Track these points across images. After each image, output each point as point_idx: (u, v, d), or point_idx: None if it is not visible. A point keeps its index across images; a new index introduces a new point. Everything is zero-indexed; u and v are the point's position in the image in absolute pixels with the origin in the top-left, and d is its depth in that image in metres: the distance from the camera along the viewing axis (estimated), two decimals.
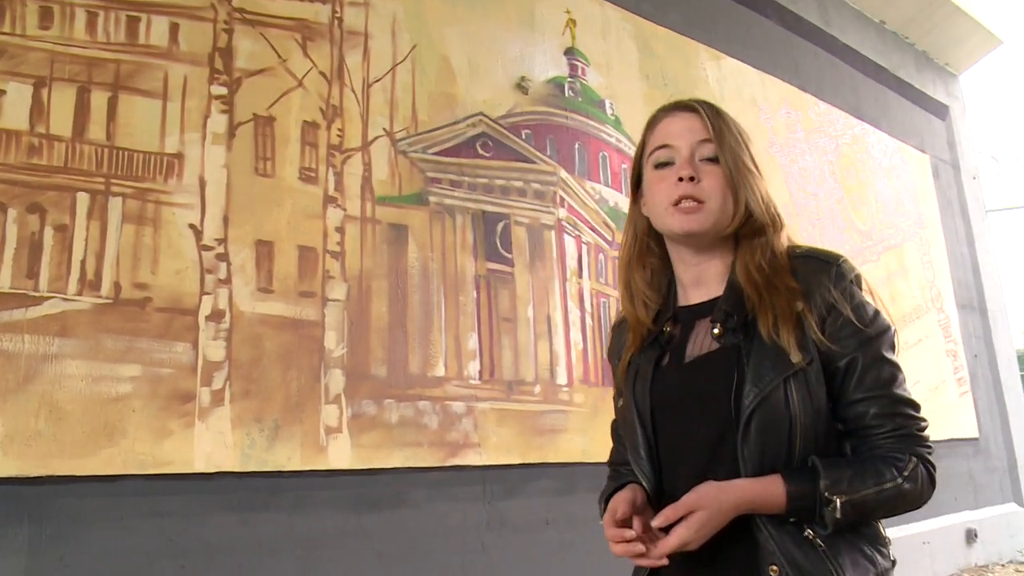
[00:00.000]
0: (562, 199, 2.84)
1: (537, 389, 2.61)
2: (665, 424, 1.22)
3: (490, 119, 2.66)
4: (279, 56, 2.25)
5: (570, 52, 3.03)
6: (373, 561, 2.11)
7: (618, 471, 1.36)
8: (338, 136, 2.31)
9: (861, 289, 1.19)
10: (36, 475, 1.72)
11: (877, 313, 1.18)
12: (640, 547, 1.09)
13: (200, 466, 1.91)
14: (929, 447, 1.16)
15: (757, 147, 1.25)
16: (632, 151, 2.92)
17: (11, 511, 1.69)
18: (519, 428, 2.52)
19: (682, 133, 1.22)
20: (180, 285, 1.96)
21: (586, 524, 2.52)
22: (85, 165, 1.90)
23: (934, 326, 4.66)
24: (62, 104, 1.91)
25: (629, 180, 1.31)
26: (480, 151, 2.62)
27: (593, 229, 2.93)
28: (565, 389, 2.69)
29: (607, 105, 3.10)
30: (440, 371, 2.36)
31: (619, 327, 1.37)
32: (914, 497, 1.13)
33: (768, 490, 1.09)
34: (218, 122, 2.11)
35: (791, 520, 1.10)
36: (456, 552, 2.28)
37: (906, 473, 1.11)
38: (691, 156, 1.20)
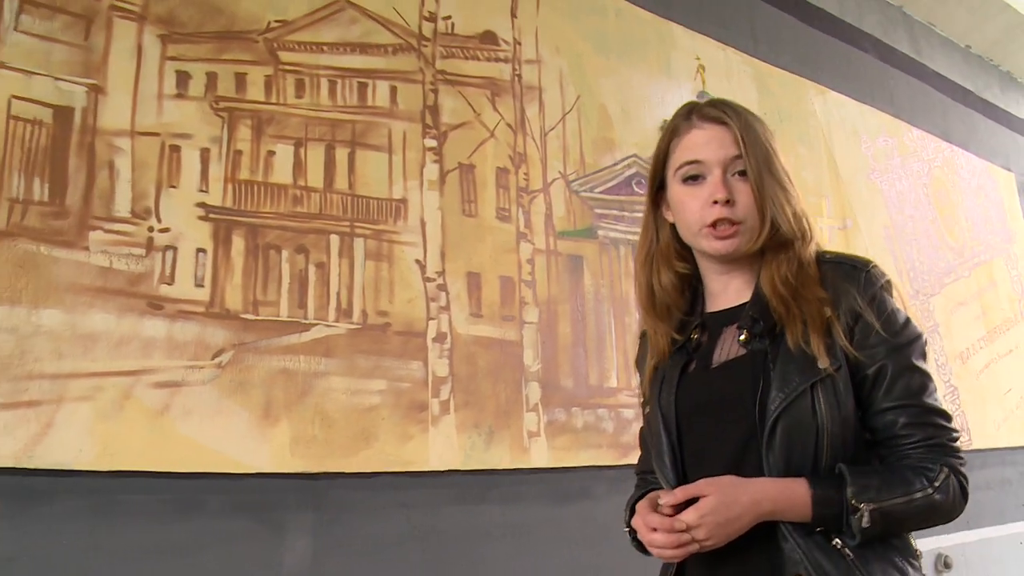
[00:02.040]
0: None
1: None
2: (690, 430, 1.20)
3: (641, 159, 2.99)
4: (474, 111, 2.60)
5: (701, 95, 3.35)
6: (566, 545, 2.44)
7: (645, 479, 1.37)
8: (524, 179, 2.66)
9: (891, 295, 1.16)
10: (315, 471, 2.07)
11: (908, 321, 1.15)
12: (687, 536, 1.06)
13: (434, 465, 2.25)
14: (961, 458, 1.12)
15: (781, 150, 1.22)
16: None
17: (299, 501, 2.04)
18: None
19: (712, 147, 1.19)
20: (411, 312, 2.32)
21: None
22: (334, 211, 2.27)
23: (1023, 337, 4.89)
24: (315, 160, 2.27)
25: (648, 183, 1.32)
26: (635, 188, 2.95)
27: None
28: None
29: None
30: (613, 382, 2.69)
31: (646, 336, 1.36)
32: (946, 509, 1.09)
33: (791, 491, 1.06)
34: (431, 170, 2.46)
35: (818, 530, 1.07)
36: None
37: (937, 484, 1.07)
38: (724, 174, 1.17)
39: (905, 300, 1.18)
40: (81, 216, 1.92)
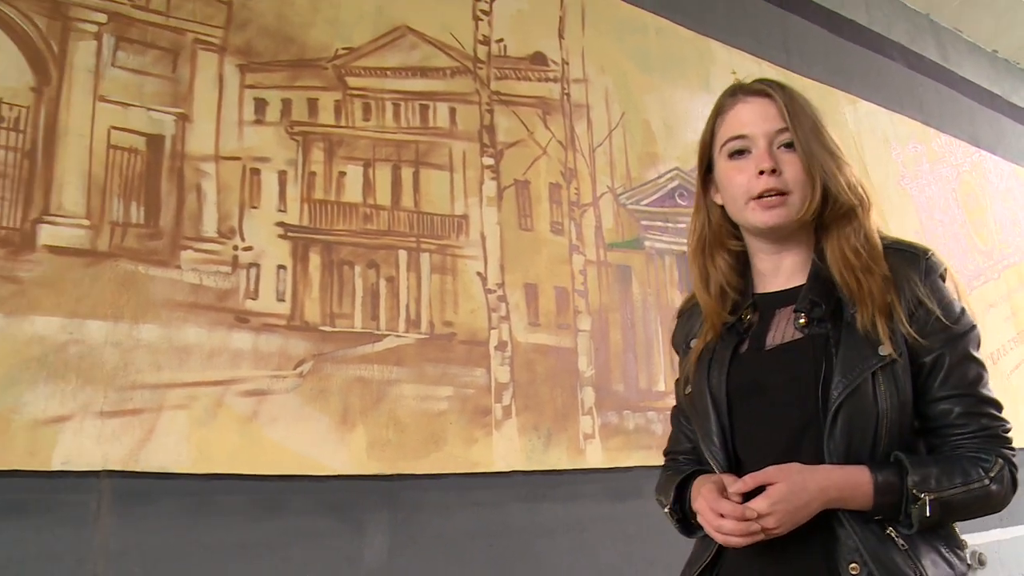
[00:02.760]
0: None
1: None
2: (742, 411, 1.19)
3: (684, 172, 3.11)
4: (527, 129, 2.74)
5: None
6: (623, 541, 2.56)
7: (676, 459, 1.38)
8: (575, 194, 2.79)
9: (947, 284, 1.16)
10: (390, 473, 2.21)
11: (964, 310, 1.15)
12: (756, 526, 1.04)
13: (499, 466, 2.38)
14: (1013, 449, 1.13)
15: (831, 126, 1.22)
16: None
17: (376, 501, 2.18)
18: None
19: (756, 121, 1.18)
20: (474, 322, 2.45)
21: None
22: (402, 228, 2.40)
23: None
24: (382, 180, 2.41)
25: (697, 167, 1.30)
26: (678, 200, 3.08)
27: None
28: None
29: None
30: (661, 386, 2.81)
31: (684, 315, 1.37)
32: (999, 499, 1.10)
33: (855, 479, 1.06)
34: (489, 187, 2.60)
35: (876, 518, 1.07)
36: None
37: (992, 474, 1.08)
38: (769, 146, 1.16)
39: (961, 290, 1.17)
40: (173, 236, 2.07)
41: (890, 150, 4.12)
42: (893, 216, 3.95)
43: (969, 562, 1.20)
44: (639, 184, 2.99)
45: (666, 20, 3.26)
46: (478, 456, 2.35)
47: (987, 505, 1.10)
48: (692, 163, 3.12)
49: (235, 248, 2.13)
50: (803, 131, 1.15)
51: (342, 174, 2.34)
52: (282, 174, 2.25)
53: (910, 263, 1.14)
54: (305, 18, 2.40)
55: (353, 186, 2.35)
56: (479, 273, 2.49)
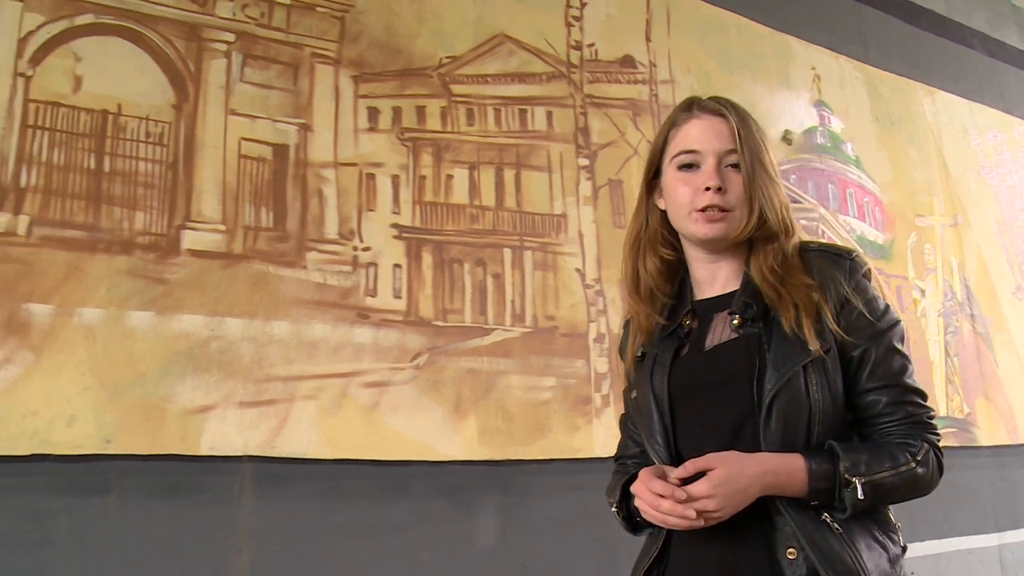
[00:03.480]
0: (823, 231, 3.35)
1: None
2: (683, 411, 1.23)
3: None
4: (619, 130, 2.85)
5: (818, 103, 3.53)
6: None
7: (625, 465, 1.40)
8: None
9: (871, 283, 1.21)
10: (500, 459, 2.35)
11: (888, 307, 1.20)
12: (692, 511, 1.07)
13: (598, 452, 2.50)
14: (937, 435, 1.19)
15: (769, 145, 1.26)
16: (870, 186, 3.42)
17: (488, 484, 2.32)
18: None
19: (708, 138, 1.22)
20: (574, 316, 2.57)
21: None
22: (506, 227, 2.53)
23: None
24: (487, 182, 2.54)
25: (644, 171, 1.32)
26: None
27: None
28: None
29: (848, 147, 3.59)
30: None
31: (629, 324, 1.38)
32: (926, 481, 1.15)
33: (791, 465, 1.11)
34: (585, 187, 2.72)
35: (812, 504, 1.11)
36: None
37: (919, 458, 1.13)
38: (717, 164, 1.21)
39: (883, 288, 1.23)
40: (299, 239, 2.23)
41: (969, 140, 4.14)
42: (973, 206, 3.98)
43: (903, 544, 1.18)
44: None
45: (745, 19, 3.34)
46: (580, 442, 2.47)
47: (916, 487, 1.15)
48: (776, 159, 3.20)
49: (355, 249, 2.28)
50: (750, 154, 1.20)
51: (449, 177, 2.48)
52: (395, 178, 2.39)
53: (835, 265, 1.20)
54: (411, 30, 2.54)
55: (460, 188, 2.49)
56: (578, 269, 2.61)
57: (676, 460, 1.19)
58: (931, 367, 3.45)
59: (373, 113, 2.41)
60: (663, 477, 1.13)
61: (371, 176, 2.36)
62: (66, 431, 1.88)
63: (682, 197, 1.23)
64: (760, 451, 1.13)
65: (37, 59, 2.04)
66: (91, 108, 2.07)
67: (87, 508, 1.88)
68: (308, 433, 2.12)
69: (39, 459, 1.86)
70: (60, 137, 2.03)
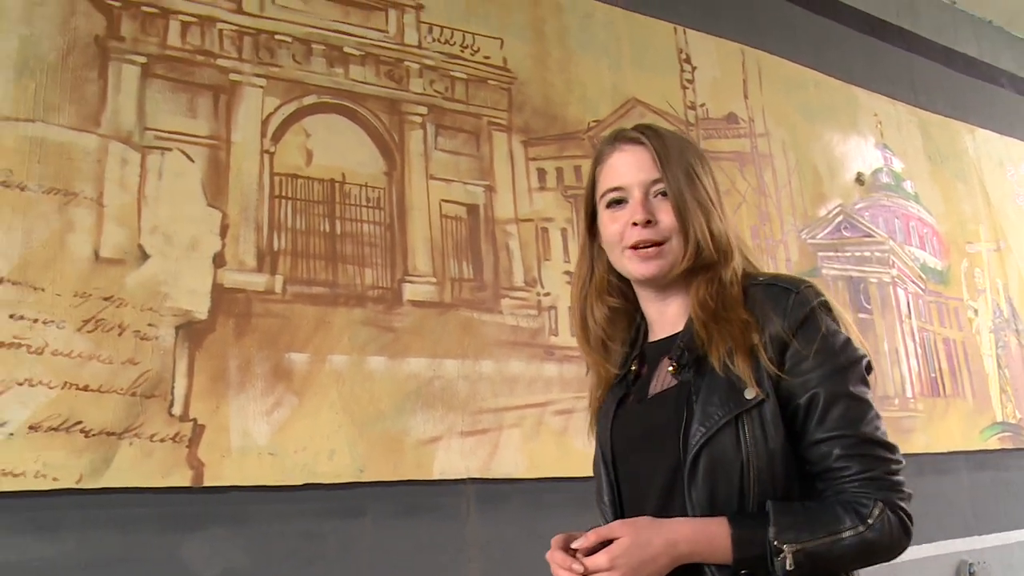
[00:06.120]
0: (893, 262, 3.75)
1: (896, 401, 3.53)
2: (625, 467, 1.18)
3: (846, 207, 3.59)
4: (730, 180, 3.22)
5: (881, 146, 3.94)
6: None
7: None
8: (768, 233, 3.27)
9: (828, 316, 1.08)
10: None
11: (846, 343, 1.07)
12: None
13: None
14: (902, 492, 1.05)
15: (708, 171, 1.18)
16: (927, 218, 3.84)
17: None
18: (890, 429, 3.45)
19: (631, 171, 1.16)
20: None
21: (924, 497, 3.37)
22: None
23: None
24: None
25: (583, 215, 1.27)
26: (843, 232, 3.55)
27: (913, 282, 3.83)
28: (911, 400, 3.59)
29: (908, 184, 4.00)
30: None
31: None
32: (882, 548, 1.01)
33: (710, 532, 1.01)
34: None
35: (742, 572, 1.02)
36: None
37: (870, 521, 1.00)
38: (644, 196, 1.14)
39: (846, 320, 1.11)
40: (494, 288, 2.56)
41: (1005, 172, 4.57)
42: (1013, 232, 4.40)
43: None
44: (813, 221, 3.47)
45: (821, 74, 3.73)
46: None
47: (869, 554, 1.02)
48: (851, 199, 3.60)
49: (538, 294, 2.63)
50: (674, 180, 1.13)
51: None
52: (563, 231, 2.74)
53: (776, 300, 1.08)
54: (563, 98, 2.89)
55: None
56: None
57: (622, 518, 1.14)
58: (987, 379, 3.85)
59: (541, 173, 2.76)
60: (568, 545, 1.08)
61: (544, 229, 2.71)
62: (328, 463, 2.19)
63: (612, 236, 1.17)
64: (687, 513, 1.05)
65: (277, 137, 2.35)
66: (322, 178, 2.39)
67: (349, 529, 2.19)
68: (515, 456, 2.45)
69: (310, 488, 2.17)
70: (300, 205, 2.34)
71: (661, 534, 1.01)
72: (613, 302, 1.25)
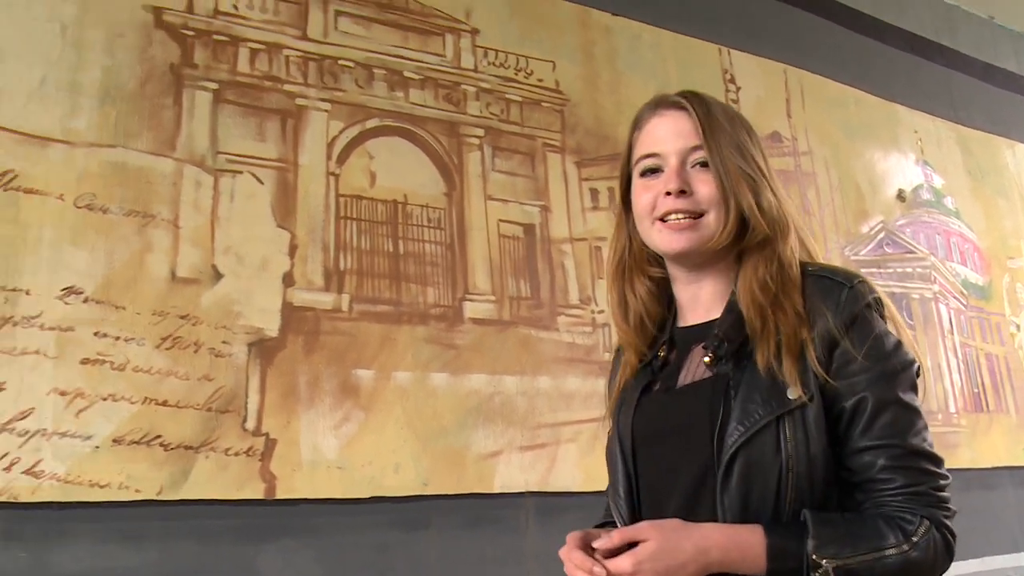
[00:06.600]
0: (935, 278, 3.79)
1: (940, 416, 3.55)
2: (646, 460, 1.10)
3: (887, 224, 3.63)
4: None
5: (922, 163, 3.97)
6: None
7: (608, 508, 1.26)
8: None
9: (880, 316, 1.03)
10: None
11: (898, 346, 1.01)
12: None
13: None
14: (948, 509, 0.99)
15: (758, 145, 1.10)
16: (969, 234, 3.87)
17: None
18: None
19: (669, 137, 1.09)
20: None
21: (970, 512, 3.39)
22: None
23: None
24: None
25: (618, 188, 1.20)
26: (885, 249, 3.59)
27: (955, 298, 3.86)
28: (955, 415, 3.62)
29: (949, 200, 4.03)
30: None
31: (619, 353, 1.25)
32: (925, 568, 0.95)
33: (744, 540, 0.94)
34: None
35: None
36: None
37: (915, 539, 0.93)
38: (681, 165, 1.07)
39: (898, 320, 1.05)
40: (551, 306, 2.62)
41: None
42: None
43: None
44: (856, 237, 3.50)
45: (861, 91, 3.77)
46: None
47: (910, 575, 0.94)
48: (893, 216, 3.63)
49: (592, 312, 2.68)
50: (719, 149, 1.05)
51: None
52: None
53: (827, 294, 1.01)
54: (613, 119, 2.95)
55: None
56: None
57: (638, 517, 1.08)
58: None
59: (594, 193, 2.82)
60: (588, 544, 1.02)
61: (598, 248, 2.77)
62: (394, 476, 2.25)
63: (643, 206, 1.10)
64: (717, 518, 0.98)
65: (342, 159, 2.43)
66: (385, 199, 2.46)
67: (415, 541, 2.25)
68: (572, 471, 2.50)
69: (377, 500, 2.23)
70: (364, 225, 2.41)
71: (692, 540, 0.94)
72: (656, 272, 1.17)
